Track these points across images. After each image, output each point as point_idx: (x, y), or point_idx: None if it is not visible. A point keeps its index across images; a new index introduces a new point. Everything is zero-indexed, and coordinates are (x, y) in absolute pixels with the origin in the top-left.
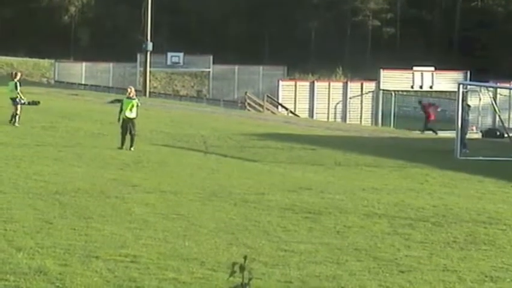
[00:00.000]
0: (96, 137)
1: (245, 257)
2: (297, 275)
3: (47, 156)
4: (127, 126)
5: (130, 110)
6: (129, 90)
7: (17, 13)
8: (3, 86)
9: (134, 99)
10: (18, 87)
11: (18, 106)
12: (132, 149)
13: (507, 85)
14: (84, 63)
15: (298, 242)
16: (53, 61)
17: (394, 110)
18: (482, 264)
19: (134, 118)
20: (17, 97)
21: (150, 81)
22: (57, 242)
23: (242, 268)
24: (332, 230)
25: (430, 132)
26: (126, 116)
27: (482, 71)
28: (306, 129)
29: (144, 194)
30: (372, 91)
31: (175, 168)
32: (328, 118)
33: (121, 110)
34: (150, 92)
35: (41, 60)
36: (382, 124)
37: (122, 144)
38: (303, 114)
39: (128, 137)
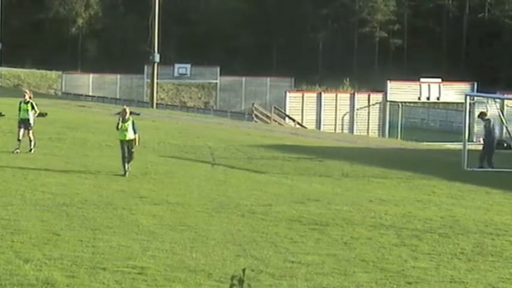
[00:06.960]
0: (103, 148)
1: (243, 270)
2: (305, 286)
3: (54, 167)
4: (126, 148)
5: (127, 130)
6: (127, 110)
7: (24, 24)
8: (10, 98)
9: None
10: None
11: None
12: (129, 165)
13: None
14: (91, 75)
15: (305, 254)
16: (60, 73)
17: (401, 121)
18: (489, 276)
19: (133, 139)
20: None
21: (157, 92)
22: (65, 254)
23: (241, 281)
24: (339, 242)
25: None
26: (124, 137)
27: (489, 82)
28: (313, 141)
29: (152, 206)
30: (379, 102)
31: (183, 180)
32: (335, 129)
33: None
34: (157, 104)
35: (48, 72)
36: (389, 135)
37: (124, 168)
38: (310, 125)
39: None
